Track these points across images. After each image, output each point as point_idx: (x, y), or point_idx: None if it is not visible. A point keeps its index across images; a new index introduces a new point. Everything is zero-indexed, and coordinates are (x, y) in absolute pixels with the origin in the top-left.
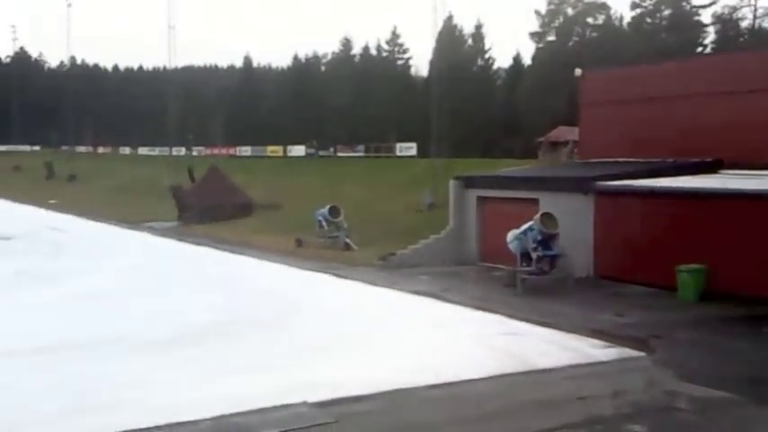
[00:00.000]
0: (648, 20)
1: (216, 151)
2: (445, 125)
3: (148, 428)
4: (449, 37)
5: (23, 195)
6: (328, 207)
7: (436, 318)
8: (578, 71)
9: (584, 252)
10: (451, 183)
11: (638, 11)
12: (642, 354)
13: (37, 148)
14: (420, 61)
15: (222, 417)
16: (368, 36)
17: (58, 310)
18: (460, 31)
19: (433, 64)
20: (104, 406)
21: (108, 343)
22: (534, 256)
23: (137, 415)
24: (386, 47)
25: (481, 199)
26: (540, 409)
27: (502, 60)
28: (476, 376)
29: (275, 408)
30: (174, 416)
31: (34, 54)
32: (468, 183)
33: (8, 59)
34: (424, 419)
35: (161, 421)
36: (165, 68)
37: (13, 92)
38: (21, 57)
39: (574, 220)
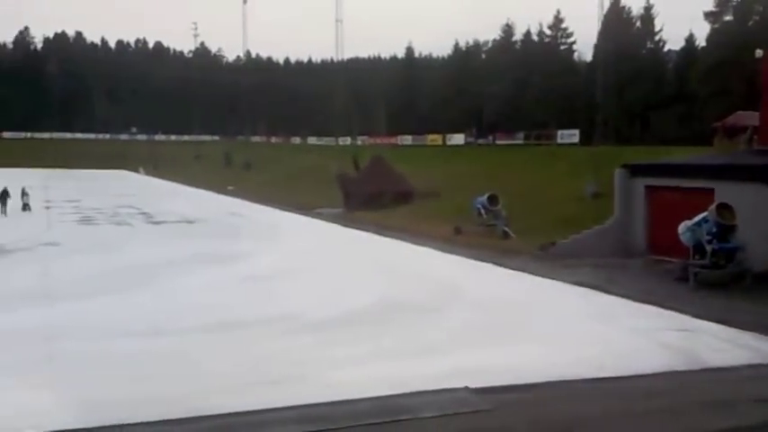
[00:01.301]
0: None
1: (379, 141)
2: (611, 111)
3: (311, 405)
4: (616, 19)
5: (203, 182)
6: (487, 195)
7: (598, 310)
8: (759, 52)
9: (765, 246)
10: (617, 171)
11: None
12: None
13: (216, 137)
14: (584, 46)
15: (384, 397)
16: (530, 21)
17: (235, 289)
18: (628, 13)
19: (599, 48)
20: (275, 381)
21: (278, 321)
22: (708, 248)
23: (302, 391)
24: (548, 32)
25: (650, 188)
26: (711, 410)
27: (673, 42)
28: (642, 372)
29: (436, 391)
30: (337, 394)
31: (213, 49)
32: (636, 171)
33: (190, 55)
34: (585, 413)
35: (326, 398)
36: (332, 61)
37: (195, 85)
38: (201, 52)
39: (754, 211)
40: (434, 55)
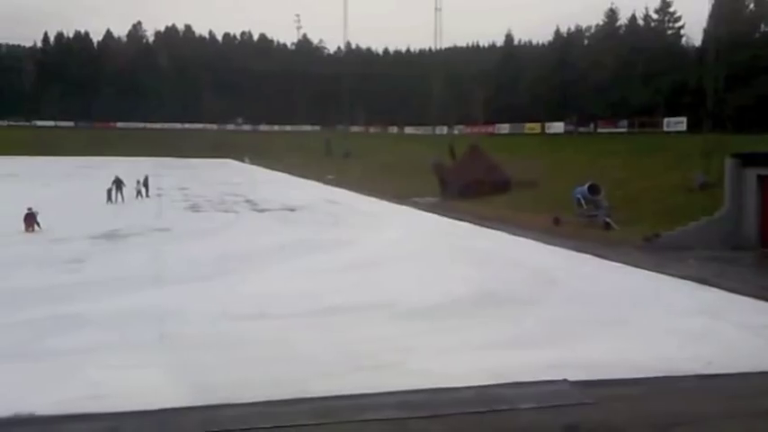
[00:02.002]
0: None
1: (475, 129)
2: (721, 98)
3: (411, 391)
4: (727, 2)
5: (304, 171)
6: (588, 185)
7: (706, 304)
8: None
9: None
10: (728, 161)
11: None
12: None
13: (317, 128)
14: (693, 30)
15: (482, 387)
16: (635, 5)
17: (335, 275)
18: None
19: (709, 32)
20: (375, 366)
21: (377, 308)
22: None
23: (402, 377)
24: (655, 16)
25: (763, 178)
26: None
27: None
28: (752, 369)
29: (535, 383)
30: (436, 382)
31: (315, 41)
32: (748, 161)
33: (293, 47)
34: (691, 411)
35: (425, 385)
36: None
37: (297, 77)
38: (303, 44)
39: None
40: (534, 42)
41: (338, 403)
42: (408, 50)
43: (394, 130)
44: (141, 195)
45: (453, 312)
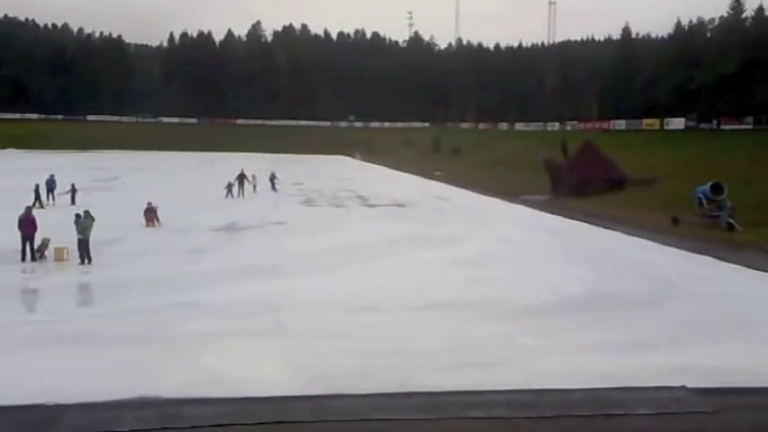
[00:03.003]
0: None
1: (589, 126)
2: None
3: (519, 390)
4: None
5: (413, 167)
6: (710, 184)
7: None
8: None
9: None
10: None
11: None
12: None
13: (426, 124)
14: None
15: (595, 390)
16: None
17: (443, 271)
18: None
19: None
20: (483, 364)
21: (486, 305)
22: None
23: (511, 376)
24: None
25: None
26: None
27: None
28: None
29: (652, 388)
30: (546, 382)
31: (426, 38)
32: None
33: (404, 44)
34: None
35: (534, 385)
36: (543, 45)
37: (408, 74)
38: (415, 41)
39: None
40: (653, 35)
41: (446, 399)
42: (520, 46)
43: (504, 126)
44: (255, 190)
45: (565, 312)
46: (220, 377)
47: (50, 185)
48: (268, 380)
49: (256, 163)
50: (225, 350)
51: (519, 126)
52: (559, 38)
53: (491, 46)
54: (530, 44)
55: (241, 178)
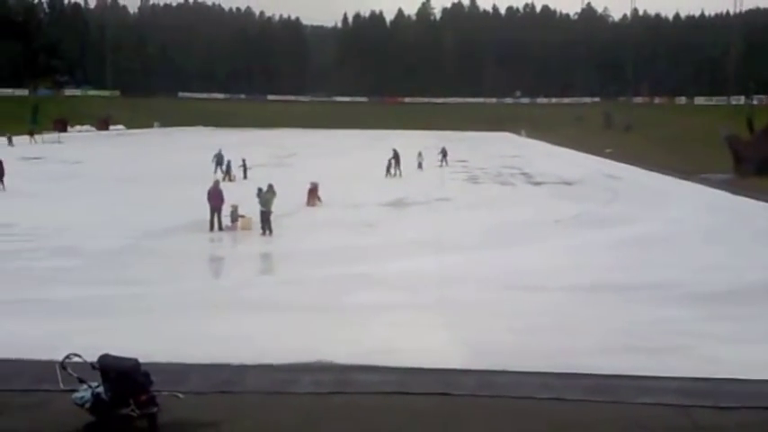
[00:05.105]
0: None
1: None
2: None
3: (694, 378)
4: None
5: (582, 144)
6: None
7: None
8: None
9: None
10: None
11: None
12: None
13: (596, 99)
14: None
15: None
16: None
17: (610, 252)
18: None
19: None
20: (654, 349)
21: (658, 288)
22: None
23: (684, 362)
24: None
25: None
26: None
27: None
28: None
29: None
30: (721, 371)
31: (599, 10)
32: None
33: (575, 17)
34: None
35: (710, 374)
36: (728, 14)
37: (578, 47)
38: (587, 13)
39: None
40: None
41: (616, 382)
42: (702, 15)
43: (682, 100)
44: (421, 167)
45: (748, 300)
46: (390, 347)
47: (219, 160)
48: (434, 352)
49: (421, 140)
50: (393, 321)
51: (699, 100)
52: (747, 5)
53: (670, 16)
54: (713, 13)
55: (396, 157)
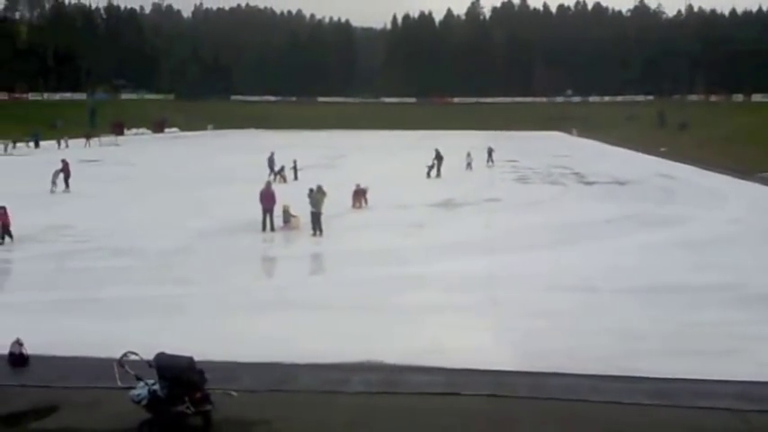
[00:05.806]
0: None
1: None
2: None
3: (753, 383)
4: None
5: (635, 143)
6: None
7: None
8: None
9: None
10: None
11: None
12: None
13: (650, 97)
14: None
15: None
16: None
17: (665, 253)
18: None
19: None
20: (712, 352)
21: (714, 290)
22: None
23: (743, 366)
24: None
25: None
26: None
27: None
28: None
29: None
30: None
31: (652, 6)
32: None
33: (628, 14)
34: None
35: (762, 378)
36: None
37: (630, 45)
38: (640, 10)
39: None
40: None
41: (673, 386)
42: (760, 9)
43: (739, 98)
44: (470, 167)
45: None
46: (439, 347)
47: (271, 162)
48: (483, 353)
49: (471, 140)
50: (443, 322)
51: (756, 97)
52: None
53: (726, 11)
54: None
55: (439, 158)
